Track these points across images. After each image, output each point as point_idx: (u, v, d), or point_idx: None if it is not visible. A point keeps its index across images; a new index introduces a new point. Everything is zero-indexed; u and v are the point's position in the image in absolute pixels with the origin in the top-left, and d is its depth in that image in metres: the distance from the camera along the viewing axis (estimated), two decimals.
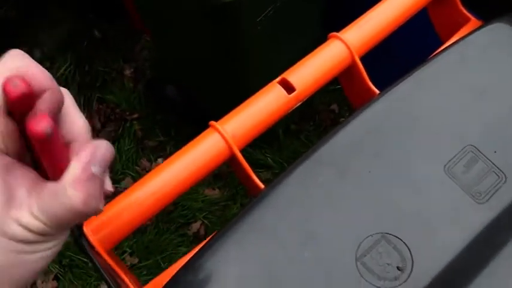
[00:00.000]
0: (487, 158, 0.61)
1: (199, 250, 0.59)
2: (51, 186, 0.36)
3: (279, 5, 1.27)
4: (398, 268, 0.56)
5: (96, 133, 1.94)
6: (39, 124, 0.32)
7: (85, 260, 1.72)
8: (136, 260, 1.72)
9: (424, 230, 0.57)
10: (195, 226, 1.78)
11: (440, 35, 0.80)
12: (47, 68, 0.37)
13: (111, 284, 0.58)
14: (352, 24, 0.72)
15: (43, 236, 0.36)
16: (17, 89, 0.32)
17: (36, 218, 0.35)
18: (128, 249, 1.73)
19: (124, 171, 1.87)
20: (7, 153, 0.37)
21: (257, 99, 0.67)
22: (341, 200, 0.59)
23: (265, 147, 1.83)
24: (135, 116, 1.96)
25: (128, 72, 2.05)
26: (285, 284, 0.55)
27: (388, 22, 0.73)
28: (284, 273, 0.55)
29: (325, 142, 0.62)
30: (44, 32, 1.99)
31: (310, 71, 0.69)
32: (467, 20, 0.76)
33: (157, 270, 1.64)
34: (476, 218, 0.58)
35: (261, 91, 0.68)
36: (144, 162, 1.88)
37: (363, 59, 0.71)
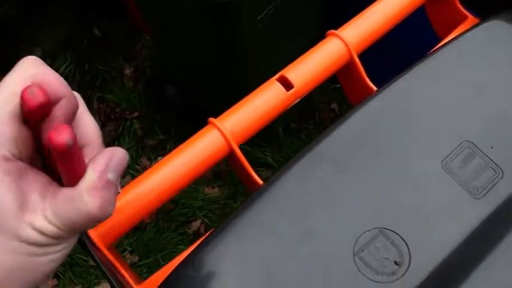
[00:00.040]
0: (484, 154, 0.61)
1: (198, 245, 0.59)
2: (66, 191, 0.36)
3: (279, 4, 1.27)
4: (395, 263, 0.56)
5: None
6: (60, 136, 0.32)
7: (85, 258, 1.73)
8: (136, 258, 1.72)
9: (422, 225, 0.58)
10: (195, 224, 1.79)
11: (437, 33, 0.81)
12: None
13: (111, 279, 0.58)
14: (350, 22, 0.73)
15: (56, 239, 0.37)
16: (36, 98, 0.33)
17: (50, 222, 0.36)
18: (128, 247, 1.73)
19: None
20: (20, 159, 0.37)
21: (256, 96, 0.68)
22: (339, 195, 0.60)
23: (265, 146, 1.84)
24: (135, 115, 1.97)
25: (128, 71, 2.05)
26: (283, 278, 0.55)
27: (386, 20, 0.73)
28: (282, 268, 0.56)
29: (323, 138, 0.63)
30: (44, 31, 1.99)
31: (309, 68, 0.69)
32: (465, 17, 0.77)
33: (157, 268, 1.64)
34: (473, 213, 0.58)
35: (259, 88, 0.68)
36: (144, 161, 1.88)
37: (363, 56, 0.72)
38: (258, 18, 1.24)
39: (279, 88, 0.67)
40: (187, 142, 0.65)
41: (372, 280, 0.55)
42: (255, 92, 0.68)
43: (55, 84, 0.36)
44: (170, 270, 0.59)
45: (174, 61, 1.71)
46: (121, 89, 2.01)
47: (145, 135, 1.93)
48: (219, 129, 0.65)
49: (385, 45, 0.78)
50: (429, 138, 0.63)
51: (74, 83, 1.98)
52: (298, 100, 0.68)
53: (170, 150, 0.65)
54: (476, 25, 0.71)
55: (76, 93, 0.40)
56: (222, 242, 0.58)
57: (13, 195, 0.35)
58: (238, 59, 1.41)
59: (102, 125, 1.97)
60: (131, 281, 0.61)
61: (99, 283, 1.70)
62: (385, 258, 0.56)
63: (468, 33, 0.69)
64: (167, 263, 0.62)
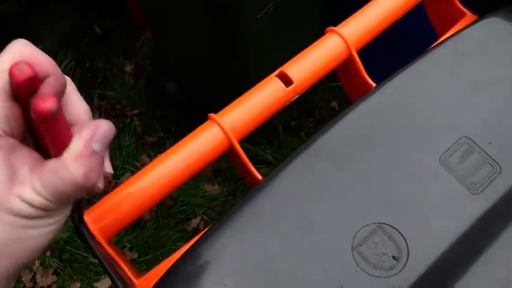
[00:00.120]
0: (482, 150, 0.62)
1: (197, 240, 0.59)
2: (52, 162, 0.37)
3: (279, 2, 1.27)
4: (394, 258, 0.56)
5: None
6: (45, 103, 0.33)
7: (85, 254, 1.73)
8: (136, 255, 1.73)
9: (420, 220, 0.58)
10: (195, 222, 1.79)
11: (436, 30, 0.81)
12: None
13: (111, 273, 0.58)
14: (349, 18, 0.73)
15: (45, 211, 0.37)
16: (23, 73, 0.34)
17: (38, 193, 0.36)
18: (127, 244, 1.74)
19: (124, 166, 1.88)
20: (12, 136, 0.38)
21: (256, 92, 0.68)
22: (337, 190, 0.60)
23: (265, 143, 1.84)
24: (136, 112, 1.97)
25: (128, 68, 2.05)
26: (282, 273, 0.56)
27: (385, 16, 0.73)
28: (281, 263, 0.56)
29: (322, 134, 0.63)
30: (45, 28, 2.00)
31: (308, 64, 0.69)
32: (463, 14, 0.77)
33: (157, 265, 1.64)
34: (471, 209, 0.59)
35: (259, 84, 0.69)
36: (144, 158, 1.89)
37: (362, 53, 0.72)
38: (258, 16, 1.25)
39: (279, 84, 0.68)
40: (187, 137, 0.66)
41: (370, 275, 0.56)
42: (254, 87, 0.68)
43: (43, 62, 0.38)
44: (169, 265, 0.59)
45: (175, 59, 1.71)
46: (121, 86, 2.01)
47: (145, 132, 1.94)
48: (219, 124, 0.65)
49: (385, 42, 0.79)
50: (427, 134, 0.63)
51: (75, 80, 1.97)
52: (297, 96, 0.69)
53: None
54: (475, 22, 0.71)
55: (66, 77, 0.41)
56: (221, 237, 0.58)
57: (3, 169, 0.36)
58: (239, 56, 1.41)
59: None
60: (131, 275, 0.61)
61: (98, 279, 1.71)
62: (383, 253, 0.57)
63: (466, 30, 0.70)
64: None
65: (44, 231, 0.38)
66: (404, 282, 0.55)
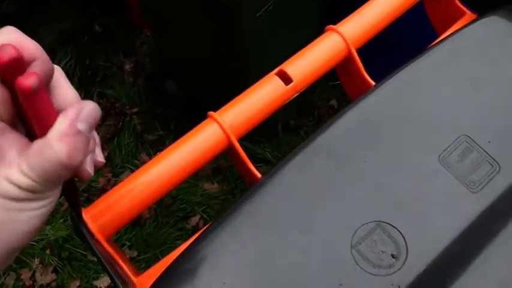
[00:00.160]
0: (481, 148, 0.62)
1: (197, 238, 0.59)
2: (38, 142, 0.37)
3: (278, 1, 1.27)
4: (392, 256, 0.56)
5: (96, 127, 1.95)
6: (27, 79, 0.34)
7: (84, 252, 1.73)
8: (135, 253, 1.73)
9: (419, 218, 0.58)
10: (194, 220, 1.79)
11: (435, 29, 0.81)
12: None
13: (110, 271, 0.58)
14: (349, 17, 0.73)
15: (33, 193, 0.37)
16: (7, 54, 0.34)
17: (25, 174, 0.36)
18: (127, 242, 1.74)
19: (124, 165, 1.88)
20: (1, 120, 0.38)
21: (255, 90, 0.68)
22: (337, 189, 0.60)
23: (264, 142, 1.84)
24: (135, 110, 1.97)
25: (127, 66, 2.05)
26: (281, 272, 0.56)
27: (384, 15, 0.73)
28: (280, 261, 0.56)
29: (321, 132, 0.63)
30: (45, 27, 2.00)
31: (308, 62, 0.69)
32: (463, 13, 0.77)
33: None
34: (470, 207, 0.59)
35: (259, 82, 0.69)
36: (144, 156, 1.89)
37: (361, 51, 0.72)
38: (258, 15, 1.24)
39: (278, 82, 0.68)
40: (186, 135, 0.66)
41: (369, 273, 0.56)
42: (254, 86, 0.68)
43: (29, 47, 0.38)
44: (168, 264, 0.59)
45: (175, 58, 1.71)
46: (121, 85, 2.01)
47: (144, 130, 1.94)
48: (218, 122, 0.65)
49: (384, 40, 0.79)
50: (427, 132, 0.63)
51: (75, 78, 1.98)
52: (297, 94, 0.69)
53: None
54: (474, 21, 0.71)
55: (55, 65, 0.41)
56: (220, 235, 0.58)
57: None
58: (239, 56, 1.41)
59: (102, 120, 1.97)
60: (130, 273, 0.61)
61: (97, 277, 1.71)
62: (382, 251, 0.57)
63: (466, 29, 0.70)
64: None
65: (32, 214, 0.38)
66: (403, 280, 0.55)
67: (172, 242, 1.75)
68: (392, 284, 0.55)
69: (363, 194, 0.60)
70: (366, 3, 0.74)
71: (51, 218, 1.80)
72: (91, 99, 1.77)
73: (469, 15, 0.77)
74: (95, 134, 0.44)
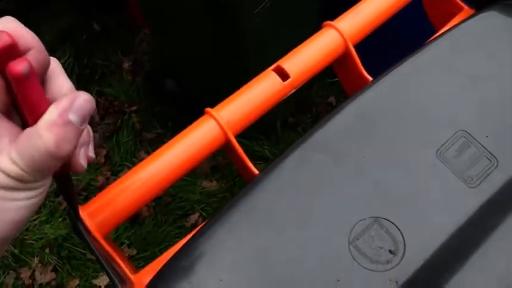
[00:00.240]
0: (479, 143, 0.62)
1: (194, 235, 0.59)
2: (28, 130, 0.37)
3: None
4: (390, 251, 0.56)
5: (95, 126, 1.95)
6: (18, 65, 0.34)
7: (83, 251, 1.73)
8: (134, 252, 1.73)
9: (417, 213, 0.58)
10: (193, 218, 1.79)
11: (433, 24, 0.81)
12: None
13: (107, 268, 0.58)
14: (346, 13, 0.73)
15: (21, 182, 0.37)
16: (1, 41, 0.34)
17: (14, 162, 0.36)
18: (126, 240, 1.74)
19: (122, 163, 1.88)
20: None
21: (252, 86, 0.68)
22: (334, 184, 0.60)
23: (262, 139, 1.84)
24: (134, 108, 1.97)
25: (126, 65, 2.05)
26: (278, 268, 0.56)
27: (381, 11, 0.73)
28: (277, 258, 0.56)
29: (319, 128, 0.63)
30: (44, 25, 2.00)
31: (305, 58, 0.69)
32: (461, 9, 0.77)
33: None
34: (468, 202, 0.59)
35: (256, 78, 0.68)
36: (142, 154, 1.89)
37: (359, 47, 0.72)
38: (256, 11, 1.24)
39: (275, 78, 0.68)
40: (183, 132, 0.66)
41: (366, 269, 0.56)
42: (251, 82, 0.68)
43: (25, 36, 0.38)
44: (165, 261, 0.59)
45: (175, 57, 1.71)
46: (119, 83, 2.01)
47: (143, 128, 1.94)
48: (215, 119, 0.65)
49: (381, 36, 0.78)
50: (424, 127, 0.63)
51: (73, 76, 1.98)
52: (294, 90, 0.69)
53: None
54: (472, 16, 0.71)
55: (52, 57, 0.41)
56: (217, 232, 0.58)
57: None
58: (239, 56, 1.41)
59: (101, 119, 1.97)
60: (127, 271, 0.61)
61: (97, 276, 1.71)
62: (380, 247, 0.56)
63: (463, 24, 0.70)
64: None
65: (21, 204, 0.38)
66: (401, 276, 0.55)
67: (171, 240, 1.74)
68: (390, 280, 0.55)
69: (361, 189, 0.59)
70: None
71: (50, 217, 1.80)
72: None
73: (466, 10, 0.77)
74: (88, 127, 0.43)
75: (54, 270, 1.75)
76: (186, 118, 0.67)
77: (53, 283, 1.73)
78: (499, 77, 0.66)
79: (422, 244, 0.57)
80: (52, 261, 1.74)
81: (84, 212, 0.60)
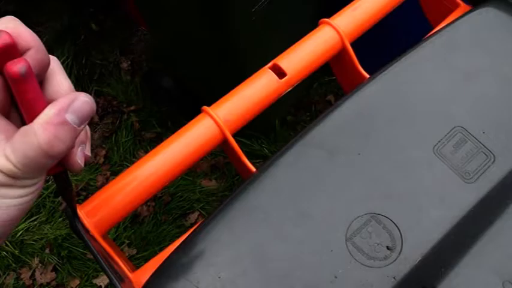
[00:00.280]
0: (476, 139, 0.62)
1: (191, 233, 0.59)
2: (23, 128, 0.37)
3: None
4: (388, 247, 0.56)
5: (94, 126, 1.95)
6: (16, 65, 0.34)
7: (83, 251, 1.73)
8: (134, 251, 1.73)
9: (414, 209, 0.58)
10: (193, 217, 1.79)
11: (430, 21, 0.81)
12: None
13: (105, 267, 0.58)
14: (343, 10, 0.73)
15: (13, 178, 0.37)
16: (1, 40, 0.34)
17: (7, 158, 0.36)
18: (126, 240, 1.74)
19: (122, 163, 1.88)
20: None
21: (249, 84, 0.68)
22: (331, 181, 0.60)
23: (262, 138, 1.84)
24: (132, 108, 1.97)
25: (125, 64, 2.05)
26: (276, 265, 0.56)
27: (378, 8, 0.73)
28: (275, 255, 0.56)
29: (315, 125, 0.63)
30: (42, 26, 2.00)
31: (301, 56, 0.69)
32: (457, 5, 0.77)
33: None
34: (465, 197, 0.59)
35: (252, 76, 0.68)
36: (142, 153, 1.89)
37: (356, 44, 0.72)
38: (253, 10, 1.24)
39: (272, 76, 0.68)
40: (180, 131, 0.66)
41: (364, 265, 0.56)
42: (248, 80, 0.68)
43: (25, 35, 0.38)
44: (164, 259, 0.59)
45: (172, 56, 1.71)
46: (118, 83, 2.01)
47: (142, 128, 1.94)
48: (212, 117, 0.65)
49: (378, 33, 0.78)
50: (421, 124, 0.63)
51: (72, 76, 1.98)
52: (290, 88, 0.69)
53: None
54: (468, 13, 0.71)
55: (52, 56, 0.41)
56: (215, 228, 0.58)
57: None
58: (235, 55, 1.41)
59: (100, 119, 1.97)
60: (126, 269, 0.61)
61: (97, 276, 1.71)
62: (377, 243, 0.57)
63: (459, 21, 0.70)
64: None
65: (11, 202, 0.38)
66: (398, 271, 0.55)
67: (171, 239, 1.74)
68: (387, 276, 0.55)
69: (358, 186, 0.60)
70: None
71: (50, 217, 1.80)
72: None
73: (463, 7, 0.77)
74: (87, 127, 0.43)
75: (55, 270, 1.75)
76: (185, 117, 0.67)
77: (54, 283, 1.73)
78: (495, 73, 0.66)
79: (420, 240, 0.57)
80: (52, 261, 1.74)
81: (82, 211, 0.60)
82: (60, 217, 1.79)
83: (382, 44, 1.12)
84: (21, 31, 0.38)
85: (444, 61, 0.67)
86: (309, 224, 0.58)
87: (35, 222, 1.79)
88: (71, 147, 0.38)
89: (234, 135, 0.66)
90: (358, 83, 0.67)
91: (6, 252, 1.75)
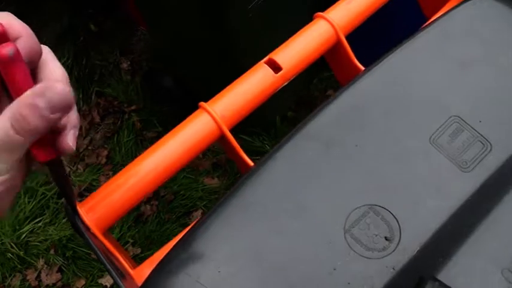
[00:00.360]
0: (472, 128, 0.62)
1: (191, 228, 0.60)
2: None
3: None
4: (386, 238, 0.57)
5: (95, 126, 1.96)
6: (4, 48, 0.35)
7: (88, 251, 1.74)
8: (138, 250, 1.73)
9: (411, 200, 0.58)
10: (196, 215, 1.80)
11: (425, 12, 0.81)
12: None
13: (106, 264, 0.59)
14: (338, 3, 0.73)
15: None
16: None
17: None
18: (130, 239, 1.74)
19: (124, 163, 1.88)
20: None
21: (245, 79, 0.68)
22: (329, 174, 0.60)
23: (263, 134, 1.84)
24: (133, 108, 1.97)
25: (125, 65, 2.06)
26: (275, 258, 0.56)
27: (372, 0, 0.73)
28: (274, 248, 0.56)
29: (312, 119, 0.63)
30: (42, 27, 2.00)
31: (297, 50, 0.70)
32: None
33: None
34: (462, 187, 0.59)
35: (248, 71, 0.69)
36: None
37: (352, 37, 0.72)
38: (249, 7, 1.24)
39: (268, 71, 0.68)
40: (178, 127, 0.66)
41: (363, 256, 0.56)
42: (244, 75, 0.69)
43: (15, 26, 0.39)
44: (165, 253, 0.59)
45: (171, 55, 1.71)
46: (119, 83, 2.02)
47: (144, 127, 1.94)
48: (209, 113, 0.65)
49: (373, 24, 0.78)
50: (417, 114, 0.63)
51: (72, 77, 1.98)
52: (286, 82, 0.69)
53: None
54: (463, 2, 0.71)
55: (45, 46, 0.42)
56: (214, 223, 0.58)
57: None
58: (232, 53, 1.41)
59: (102, 119, 1.98)
60: (127, 266, 0.62)
61: (102, 275, 1.72)
62: (376, 235, 0.57)
63: (454, 11, 0.70)
64: None
65: None
66: (397, 262, 0.55)
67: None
68: (386, 266, 0.55)
69: (355, 178, 0.60)
70: None
71: (54, 219, 1.81)
72: (89, 98, 1.78)
73: None
74: (75, 115, 0.44)
75: (60, 271, 1.76)
76: (185, 115, 0.67)
77: (59, 284, 1.74)
78: (490, 63, 0.66)
79: (418, 230, 0.57)
80: (57, 262, 1.75)
81: (82, 209, 0.61)
82: (64, 218, 1.80)
83: (378, 36, 1.12)
84: (13, 23, 0.39)
85: (440, 51, 0.67)
86: (306, 216, 0.58)
87: (39, 224, 1.80)
88: (41, 132, 0.38)
89: (236, 133, 0.67)
90: (353, 76, 0.67)
91: (12, 254, 1.75)
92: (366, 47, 0.86)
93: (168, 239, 1.77)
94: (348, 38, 0.71)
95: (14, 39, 0.39)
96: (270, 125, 1.84)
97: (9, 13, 0.40)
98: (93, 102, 1.98)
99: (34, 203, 1.82)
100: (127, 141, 1.92)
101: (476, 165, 0.60)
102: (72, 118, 0.42)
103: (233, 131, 0.67)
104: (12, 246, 1.76)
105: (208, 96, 0.68)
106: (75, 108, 0.42)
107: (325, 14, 0.71)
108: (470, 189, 0.59)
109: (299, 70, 0.69)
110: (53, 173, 0.47)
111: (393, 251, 0.56)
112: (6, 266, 1.75)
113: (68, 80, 0.43)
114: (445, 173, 0.60)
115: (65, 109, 0.38)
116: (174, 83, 1.81)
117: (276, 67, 0.68)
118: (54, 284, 1.74)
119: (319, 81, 1.90)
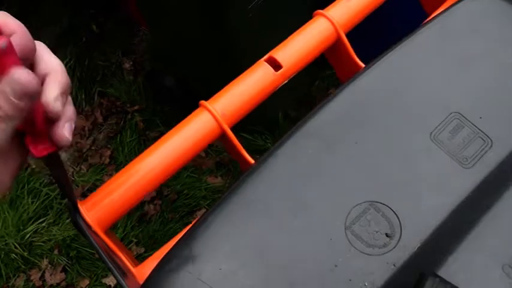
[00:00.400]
0: (473, 124, 0.62)
1: (193, 226, 0.60)
2: None
3: None
4: (387, 235, 0.57)
5: (98, 127, 1.96)
6: None
7: (92, 251, 1.74)
8: (142, 250, 1.74)
9: (412, 196, 0.59)
10: (199, 214, 1.80)
11: (425, 9, 0.81)
12: None
13: (107, 262, 0.59)
14: (338, 1, 0.73)
15: None
16: None
17: None
18: (133, 239, 1.74)
19: (127, 162, 1.88)
20: None
21: (245, 77, 0.68)
22: (329, 171, 0.60)
23: (266, 133, 1.84)
24: (136, 108, 1.98)
25: (127, 65, 2.06)
26: (276, 255, 0.56)
27: None
28: (275, 245, 0.56)
29: (312, 116, 0.63)
30: (43, 28, 2.01)
31: (297, 48, 0.70)
32: None
33: None
34: (463, 183, 0.59)
35: (249, 70, 0.69)
36: None
37: (352, 34, 0.72)
38: (249, 7, 1.24)
39: (268, 69, 0.68)
40: (179, 125, 0.66)
41: (364, 253, 0.56)
42: (244, 73, 0.69)
43: (10, 23, 0.40)
44: (166, 251, 0.60)
45: (172, 55, 1.72)
46: (121, 83, 2.02)
47: (146, 127, 1.94)
48: (210, 111, 0.65)
49: (373, 22, 0.78)
50: (417, 111, 0.63)
51: (75, 78, 1.99)
52: (287, 80, 0.69)
53: None
54: None
55: (39, 42, 0.43)
56: (215, 221, 0.58)
57: None
58: (232, 52, 1.41)
59: (104, 119, 1.98)
60: (129, 264, 0.62)
61: (106, 275, 1.72)
62: (376, 231, 0.57)
63: (454, 7, 0.70)
64: None
65: None
66: (397, 258, 0.55)
67: None
68: (387, 263, 0.56)
69: (356, 175, 0.60)
70: None
71: (57, 219, 1.81)
72: (92, 98, 1.78)
73: None
74: (71, 108, 0.44)
75: (64, 271, 1.76)
76: (186, 115, 0.68)
77: (63, 284, 1.74)
78: (490, 59, 0.66)
79: (419, 226, 0.57)
80: (61, 262, 1.75)
81: (83, 207, 0.61)
82: (67, 218, 1.80)
83: (378, 33, 1.12)
84: (8, 20, 0.40)
85: (440, 48, 0.67)
86: (307, 213, 0.58)
87: (43, 224, 1.80)
88: (14, 119, 0.39)
89: (238, 131, 0.67)
90: (354, 73, 0.67)
91: (16, 255, 1.76)
92: (367, 44, 0.85)
93: (172, 239, 1.76)
94: (348, 35, 0.71)
95: (9, 36, 0.39)
96: (272, 123, 1.84)
97: (5, 12, 0.41)
98: (95, 103, 1.98)
99: (38, 203, 1.82)
100: (130, 141, 1.92)
101: (477, 162, 0.60)
102: (67, 110, 0.43)
103: (234, 129, 0.67)
104: (16, 247, 1.76)
105: (208, 96, 0.69)
106: (70, 101, 0.44)
107: (325, 11, 0.71)
108: (470, 185, 0.59)
109: (299, 68, 0.69)
110: (52, 170, 0.47)
111: (394, 247, 0.56)
112: (10, 266, 1.76)
113: (65, 69, 0.44)
114: (445, 170, 0.60)
115: (29, 96, 0.38)
116: (176, 83, 1.82)
117: (276, 65, 0.68)
118: (58, 284, 1.74)
119: (321, 80, 1.90)
